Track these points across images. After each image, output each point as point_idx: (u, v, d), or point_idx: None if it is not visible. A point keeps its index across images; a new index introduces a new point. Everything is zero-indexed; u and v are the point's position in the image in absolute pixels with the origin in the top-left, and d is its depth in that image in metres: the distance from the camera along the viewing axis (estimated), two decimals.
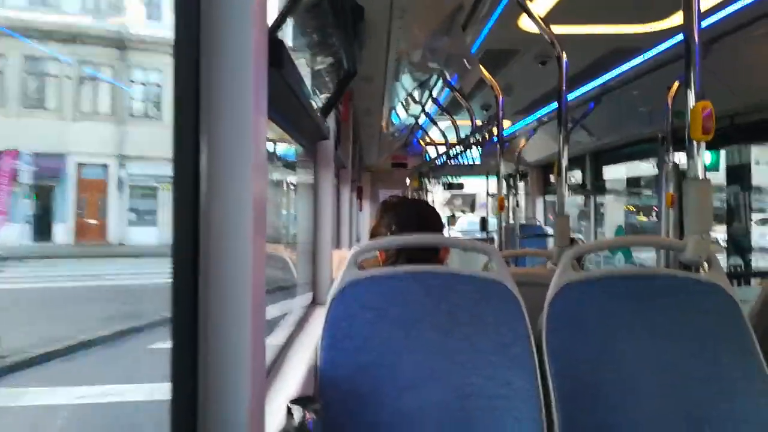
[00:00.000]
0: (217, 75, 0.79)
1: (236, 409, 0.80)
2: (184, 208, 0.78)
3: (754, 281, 3.92)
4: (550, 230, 7.15)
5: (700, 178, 1.54)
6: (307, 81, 2.96)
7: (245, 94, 0.80)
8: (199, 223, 0.78)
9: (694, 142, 1.54)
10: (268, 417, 0.90)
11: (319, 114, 1.86)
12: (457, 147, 6.57)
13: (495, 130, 4.09)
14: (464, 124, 6.09)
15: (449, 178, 10.76)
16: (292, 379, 1.34)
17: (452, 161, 7.21)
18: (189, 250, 0.77)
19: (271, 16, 1.14)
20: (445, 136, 7.32)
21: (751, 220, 4.54)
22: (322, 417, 0.84)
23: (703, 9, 1.65)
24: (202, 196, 0.78)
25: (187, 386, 0.78)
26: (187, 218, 0.78)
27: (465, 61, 3.37)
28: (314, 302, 2.23)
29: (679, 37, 3.02)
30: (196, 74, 0.78)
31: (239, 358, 0.80)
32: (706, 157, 1.58)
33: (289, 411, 0.86)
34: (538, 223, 8.00)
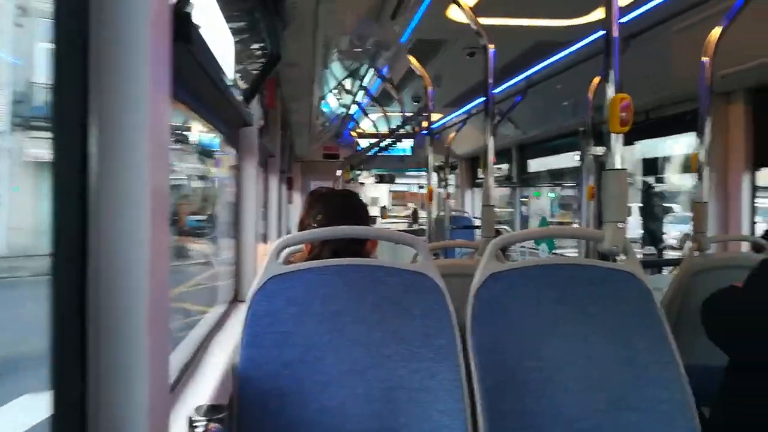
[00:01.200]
0: (109, 48, 0.70)
1: (132, 427, 0.71)
2: (69, 200, 0.68)
3: (666, 270, 4.14)
4: (478, 221, 7.30)
5: (618, 168, 1.57)
6: (233, 68, 2.83)
7: (142, 69, 0.71)
8: (88, 220, 0.69)
9: (612, 134, 1.57)
10: (177, 429, 0.83)
11: (241, 99, 1.77)
12: (388, 138, 6.57)
13: (425, 123, 4.10)
14: (395, 115, 6.09)
15: (382, 170, 10.78)
16: (207, 384, 1.26)
17: (384, 153, 7.21)
18: (75, 249, 0.68)
19: None
20: (376, 128, 7.30)
21: (663, 212, 4.79)
22: (228, 425, 0.77)
23: (623, 5, 1.69)
24: (91, 189, 0.68)
25: (73, 402, 0.69)
26: (73, 211, 0.68)
27: (394, 49, 3.34)
28: (236, 299, 2.14)
29: (600, 33, 3.13)
30: (83, 47, 0.69)
31: (135, 369, 0.71)
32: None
33: (191, 423, 0.78)
34: (467, 215, 8.15)
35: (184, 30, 0.93)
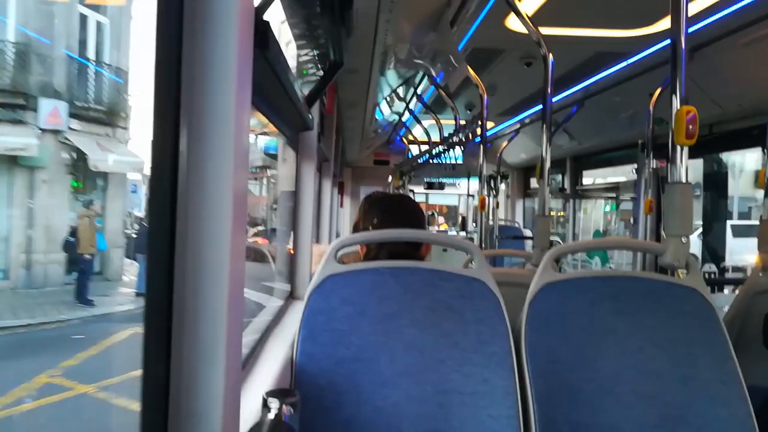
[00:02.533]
0: (200, 54, 0.76)
1: (210, 401, 0.77)
2: (162, 196, 0.74)
3: (726, 289, 3.99)
4: (528, 233, 7.20)
5: (683, 181, 1.54)
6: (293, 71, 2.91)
7: (229, 76, 0.76)
8: (177, 212, 0.75)
9: (678, 147, 1.55)
10: (243, 410, 0.88)
11: (303, 103, 1.83)
12: (440, 146, 6.57)
13: (478, 131, 4.09)
14: (448, 123, 6.09)
15: (431, 178, 10.76)
16: (268, 372, 1.31)
17: (434, 160, 7.22)
18: (165, 239, 0.74)
19: None
20: (428, 135, 7.32)
21: (727, 229, 4.62)
22: (299, 410, 0.82)
23: (690, 15, 1.66)
24: (180, 184, 0.74)
25: (158, 375, 0.75)
26: (164, 207, 0.74)
27: (451, 58, 3.36)
28: (292, 296, 2.20)
29: (662, 44, 3.06)
30: (178, 53, 0.75)
31: (214, 349, 0.77)
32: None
33: (265, 403, 0.83)
34: (516, 225, 8.05)
35: (263, 37, 0.98)
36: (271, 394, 0.84)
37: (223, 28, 0.76)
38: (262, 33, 0.98)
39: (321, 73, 2.36)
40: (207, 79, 0.76)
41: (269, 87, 1.30)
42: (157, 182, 0.74)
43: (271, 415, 0.81)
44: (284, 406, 0.81)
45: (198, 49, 0.75)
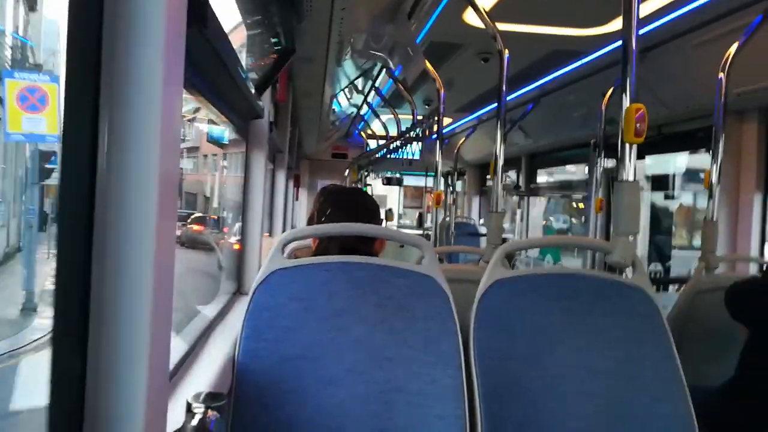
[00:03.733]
0: (123, 31, 0.69)
1: (131, 405, 0.71)
2: (77, 185, 0.67)
3: (671, 287, 4.11)
4: (483, 230, 7.27)
5: (630, 180, 1.55)
6: (245, 60, 2.82)
7: (156, 52, 0.70)
8: (95, 205, 0.68)
9: (627, 145, 1.55)
10: (173, 416, 0.82)
11: (253, 91, 1.76)
12: (398, 141, 6.56)
13: (435, 127, 4.08)
14: (406, 118, 6.07)
15: (389, 172, 10.75)
16: (206, 372, 1.25)
17: (392, 155, 7.20)
18: (80, 234, 0.67)
19: None
20: (386, 129, 7.29)
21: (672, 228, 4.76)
22: (228, 415, 0.76)
23: (642, 15, 1.67)
24: (99, 174, 0.68)
25: (72, 375, 0.68)
26: (80, 198, 0.67)
27: (409, 50, 3.33)
28: (239, 291, 2.13)
29: (616, 43, 3.11)
30: (98, 27, 0.67)
31: (136, 349, 0.70)
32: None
33: (189, 408, 0.77)
34: (472, 222, 8.12)
35: (200, 12, 0.91)
36: (197, 398, 0.78)
37: (149, 1, 0.69)
38: (198, 8, 0.91)
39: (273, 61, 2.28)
40: (131, 58, 0.69)
41: (211, 68, 1.23)
42: (71, 171, 0.67)
43: (195, 422, 0.75)
44: (209, 411, 0.76)
45: (120, 21, 0.69)
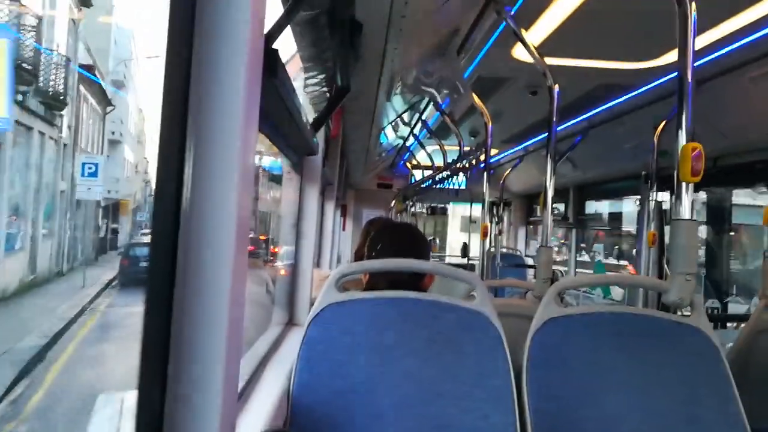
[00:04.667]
0: (209, 79, 0.75)
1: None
2: (164, 219, 0.73)
3: (729, 325, 3.95)
4: (529, 260, 7.17)
5: (688, 218, 1.53)
6: (300, 94, 2.93)
7: (237, 101, 0.76)
8: (179, 236, 0.74)
9: (683, 183, 1.54)
10: None
11: (309, 128, 1.83)
12: (444, 172, 6.59)
13: (482, 157, 4.10)
14: (452, 149, 6.10)
15: (434, 203, 10.75)
16: (263, 402, 1.29)
17: (438, 186, 7.23)
18: (166, 263, 0.73)
19: (268, 24, 1.11)
20: (432, 160, 7.33)
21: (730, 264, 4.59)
22: None
23: (697, 48, 1.66)
24: (183, 208, 0.74)
25: (153, 405, 0.73)
26: (167, 230, 0.73)
27: (457, 85, 3.38)
28: (290, 322, 2.18)
29: (668, 76, 3.08)
30: (186, 77, 0.74)
31: (211, 381, 0.75)
32: None
33: None
34: (518, 253, 8.02)
35: (272, 65, 0.98)
36: None
37: (233, 55, 0.76)
38: (271, 60, 0.98)
39: (327, 96, 2.37)
40: (215, 104, 0.76)
41: (276, 112, 1.30)
42: (161, 206, 0.73)
43: None
44: None
45: (207, 75, 0.75)
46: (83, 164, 16.70)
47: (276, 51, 1.00)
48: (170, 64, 0.73)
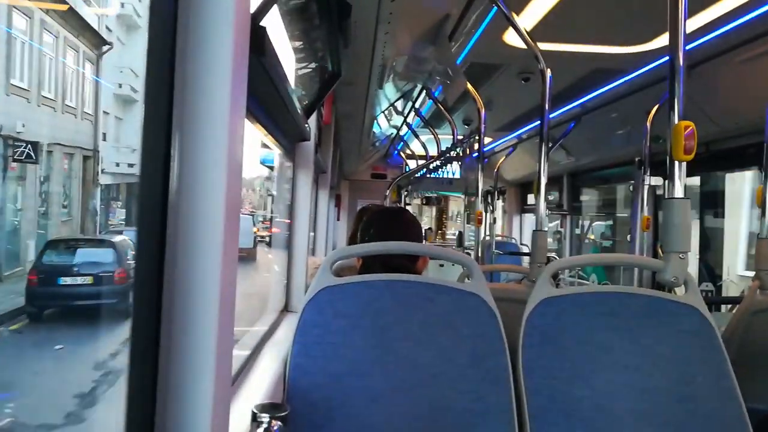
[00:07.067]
0: (194, 58, 0.74)
1: (198, 414, 0.75)
2: (151, 205, 0.73)
3: (723, 308, 3.97)
4: (525, 248, 7.18)
5: (680, 197, 1.53)
6: (292, 83, 2.91)
7: (224, 80, 0.75)
8: (167, 222, 0.73)
9: (675, 162, 1.54)
10: (232, 424, 0.85)
11: (301, 113, 1.82)
12: (438, 160, 6.58)
13: (476, 146, 4.09)
14: (445, 137, 6.10)
15: (428, 192, 10.76)
16: (259, 386, 1.29)
17: (432, 175, 7.22)
18: (155, 248, 0.73)
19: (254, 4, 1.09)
20: (426, 149, 7.33)
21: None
22: (289, 425, 0.79)
23: (687, 32, 1.66)
24: (171, 193, 0.73)
25: (145, 386, 0.73)
26: (154, 216, 0.73)
27: (450, 71, 3.36)
28: (286, 309, 2.18)
29: (660, 60, 3.07)
30: (171, 48, 0.73)
31: (203, 361, 0.75)
32: None
33: (255, 418, 0.81)
34: (513, 241, 8.03)
35: (259, 43, 0.97)
36: (260, 408, 0.82)
37: (218, 32, 0.74)
38: (259, 38, 0.97)
39: (318, 84, 2.35)
40: (201, 83, 0.75)
41: (266, 94, 1.29)
42: (147, 192, 0.73)
43: (260, 430, 0.78)
44: (273, 421, 0.79)
45: (191, 53, 0.74)
46: None
47: (264, 28, 0.98)
48: (153, 45, 0.72)
